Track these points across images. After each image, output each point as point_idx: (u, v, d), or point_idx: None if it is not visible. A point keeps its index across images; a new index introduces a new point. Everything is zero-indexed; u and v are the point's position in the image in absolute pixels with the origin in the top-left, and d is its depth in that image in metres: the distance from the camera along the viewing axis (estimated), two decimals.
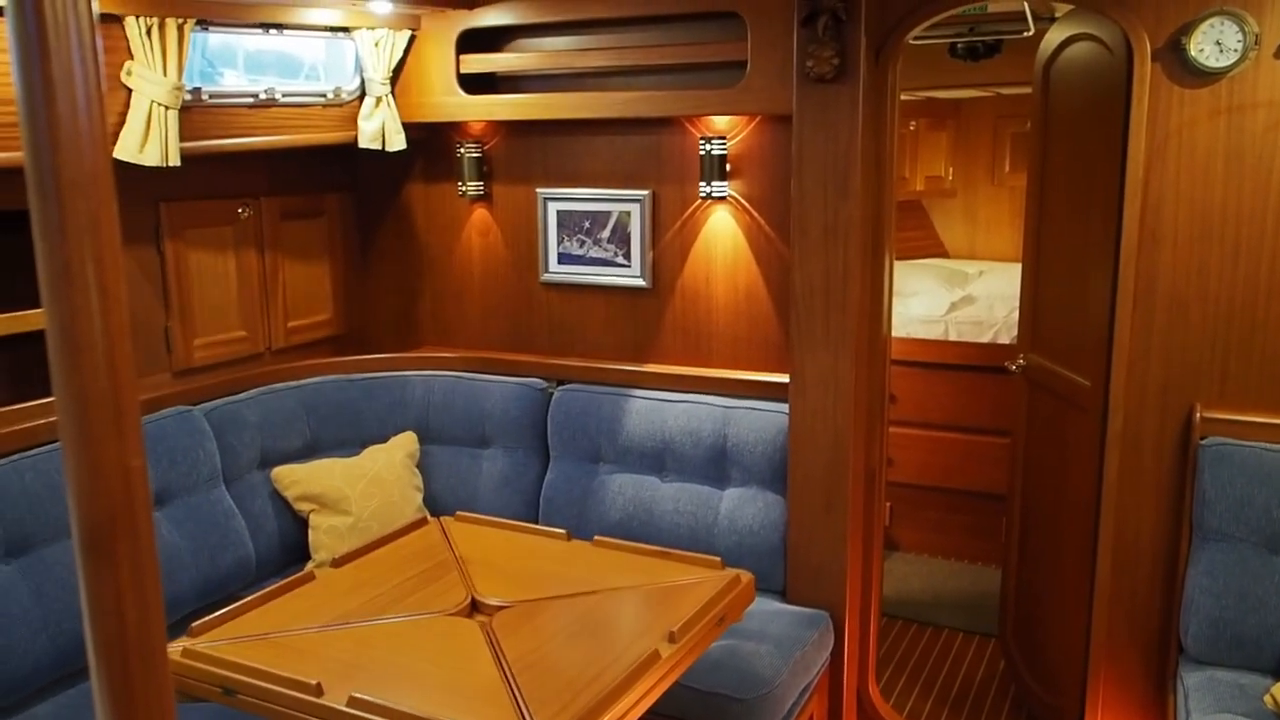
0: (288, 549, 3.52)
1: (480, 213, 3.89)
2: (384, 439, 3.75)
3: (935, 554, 5.20)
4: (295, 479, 3.52)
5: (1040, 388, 3.63)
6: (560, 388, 3.73)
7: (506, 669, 2.18)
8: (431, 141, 3.87)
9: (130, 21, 2.90)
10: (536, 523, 3.48)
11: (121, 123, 3.01)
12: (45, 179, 0.75)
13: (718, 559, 2.75)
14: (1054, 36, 3.50)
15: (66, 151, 0.74)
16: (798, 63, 3.08)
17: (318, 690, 2.09)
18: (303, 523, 3.53)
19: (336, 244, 4.01)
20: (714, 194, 3.43)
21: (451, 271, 3.98)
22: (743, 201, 3.45)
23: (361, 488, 3.52)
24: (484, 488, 3.72)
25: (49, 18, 0.73)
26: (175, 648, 2.32)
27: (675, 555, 2.80)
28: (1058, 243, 3.49)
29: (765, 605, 3.20)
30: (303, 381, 3.73)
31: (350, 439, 3.75)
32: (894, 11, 3.10)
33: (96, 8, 0.71)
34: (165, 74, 2.99)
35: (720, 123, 3.42)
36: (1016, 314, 5.01)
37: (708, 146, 3.39)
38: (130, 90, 2.99)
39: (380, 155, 3.75)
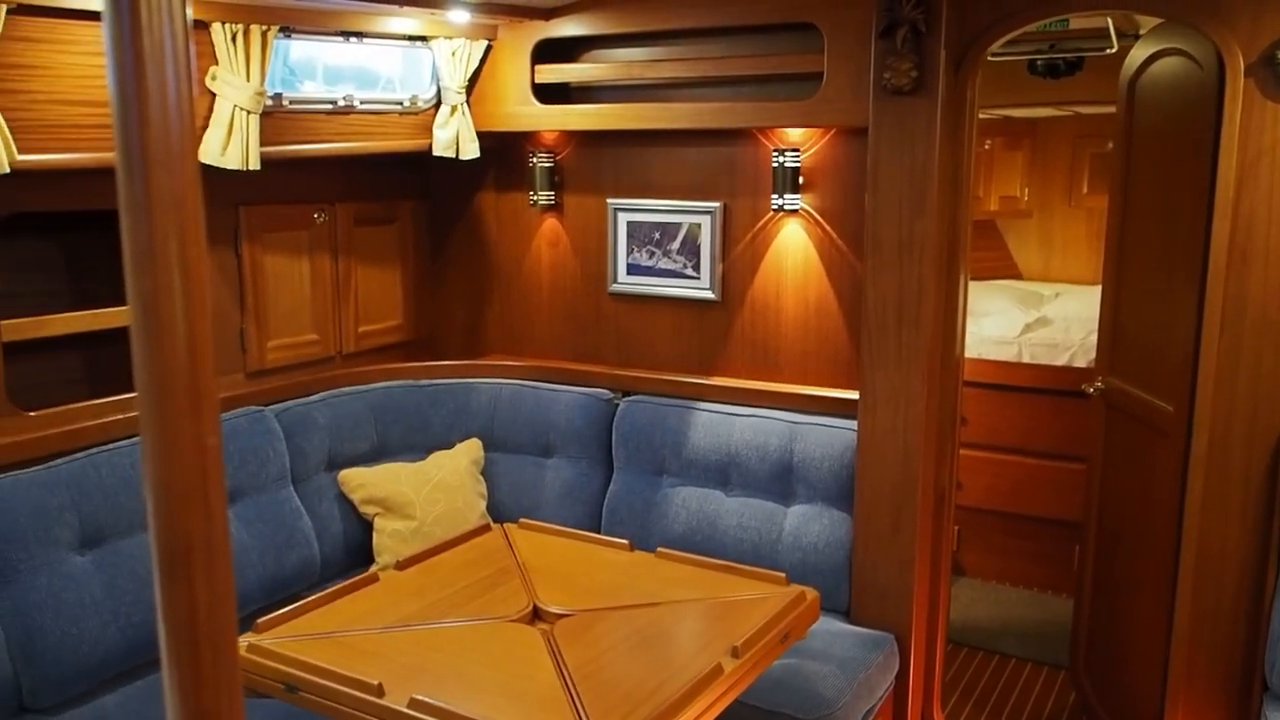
0: (351, 551, 3.55)
1: (550, 222, 3.90)
2: (449, 445, 3.77)
3: (1002, 580, 5.08)
4: (361, 482, 3.55)
5: (1119, 411, 3.52)
6: (626, 399, 3.72)
7: (567, 677, 2.16)
8: (504, 151, 3.90)
9: (216, 28, 2.97)
10: (598, 533, 3.46)
11: (205, 126, 3.07)
12: (133, 155, 0.75)
13: (783, 575, 2.71)
14: (1139, 52, 3.41)
15: (155, 128, 0.74)
16: (875, 75, 3.04)
17: (379, 690, 2.09)
18: (367, 525, 3.56)
19: (408, 251, 4.05)
20: (786, 207, 3.40)
21: (520, 280, 4.00)
22: (815, 215, 3.41)
23: (426, 493, 3.54)
24: (547, 496, 3.72)
25: (143, 12, 0.73)
26: (240, 643, 2.34)
27: (740, 570, 2.76)
28: (1141, 264, 3.39)
29: (828, 625, 3.14)
30: (371, 386, 3.77)
31: (416, 444, 3.78)
32: (974, 24, 3.04)
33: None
34: (248, 79, 3.05)
35: (794, 135, 3.39)
36: (1094, 337, 4.89)
37: (781, 159, 3.36)
38: (214, 95, 3.05)
39: (453, 163, 3.79)
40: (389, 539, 3.48)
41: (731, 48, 3.47)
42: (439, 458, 3.69)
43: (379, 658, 2.26)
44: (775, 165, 3.37)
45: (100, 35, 2.69)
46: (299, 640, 2.33)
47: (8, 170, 2.60)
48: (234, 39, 3.00)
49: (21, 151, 2.64)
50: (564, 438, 3.76)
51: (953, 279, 3.26)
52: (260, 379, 3.52)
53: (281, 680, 2.23)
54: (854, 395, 3.29)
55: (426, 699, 2.04)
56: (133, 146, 0.75)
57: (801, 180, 3.38)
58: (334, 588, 2.65)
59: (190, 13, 0.75)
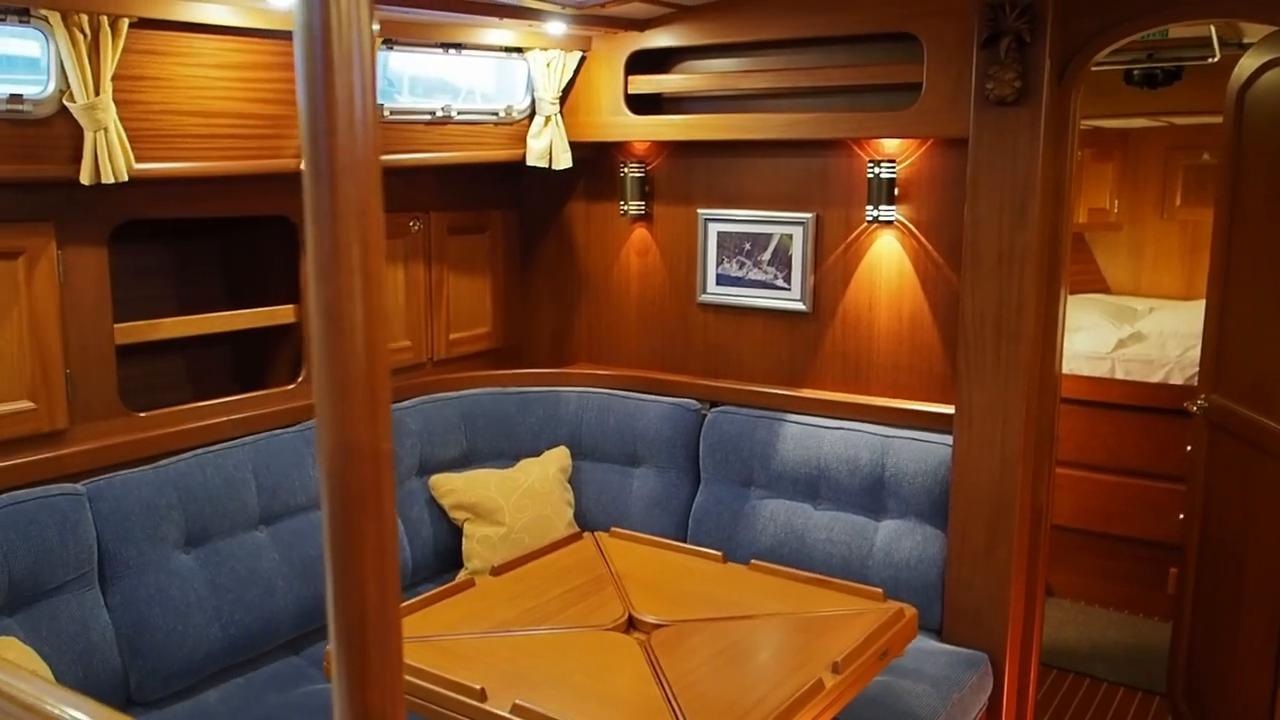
0: (440, 555, 3.59)
1: (640, 232, 3.91)
2: (537, 453, 3.79)
3: (1092, 601, 4.95)
4: (452, 487, 3.59)
5: (1223, 431, 3.41)
6: (713, 409, 3.71)
7: (667, 688, 2.16)
8: (595, 160, 3.92)
9: None
10: (684, 544, 3.45)
11: None
12: (320, 163, 0.77)
13: (879, 590, 2.68)
14: (1250, 62, 3.31)
15: (341, 136, 0.76)
16: (976, 85, 2.99)
17: (481, 695, 2.11)
18: (456, 530, 3.60)
19: (498, 259, 4.10)
20: (881, 218, 3.36)
21: (609, 290, 4.02)
22: (910, 226, 3.37)
23: (515, 500, 3.56)
24: (634, 506, 3.72)
25: (333, 11, 0.75)
26: None
27: (835, 584, 2.73)
28: (1251, 280, 3.29)
29: (920, 642, 3.08)
30: (461, 393, 3.81)
31: (504, 451, 3.81)
32: (1080, 34, 2.98)
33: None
34: None
35: (890, 145, 3.36)
36: (1191, 354, 4.77)
37: (876, 170, 3.33)
38: None
39: (543, 173, 3.82)
40: (478, 544, 3.51)
41: (824, 58, 3.45)
42: (527, 465, 3.72)
43: (479, 662, 2.28)
44: (870, 176, 3.34)
45: (216, 47, 2.78)
46: (403, 642, 2.36)
47: (126, 179, 2.68)
48: None
49: (138, 161, 2.72)
50: (651, 447, 3.76)
51: (1052, 292, 3.19)
52: None
53: None
54: (948, 409, 3.24)
55: (529, 705, 2.05)
56: (320, 155, 0.77)
57: (897, 191, 3.34)
58: (431, 592, 2.68)
59: (376, 27, 0.76)
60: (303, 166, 0.79)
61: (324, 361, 0.78)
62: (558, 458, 3.76)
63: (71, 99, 2.57)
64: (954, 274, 3.29)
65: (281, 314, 3.38)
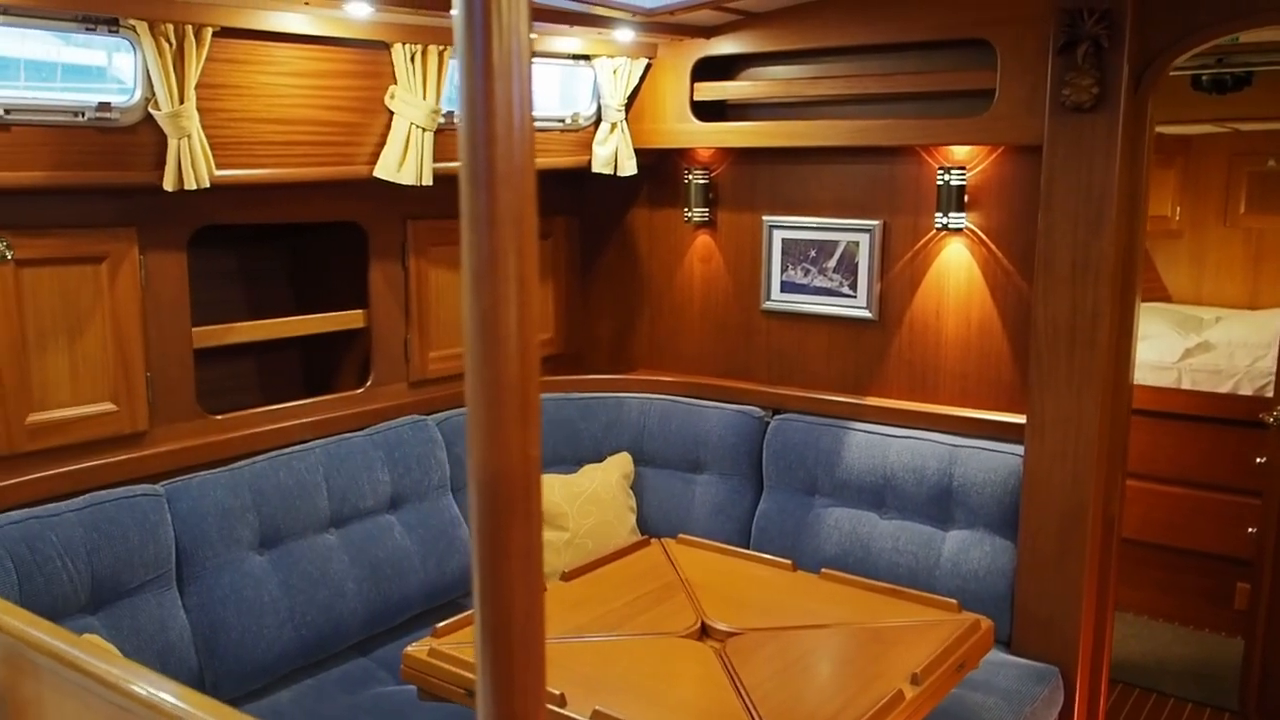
0: None
1: (703, 239, 3.91)
2: (599, 458, 3.80)
3: (1157, 616, 4.86)
4: None
5: None
6: (777, 416, 3.70)
7: (746, 696, 2.15)
8: (658, 167, 3.93)
9: (397, 48, 3.07)
10: (752, 551, 3.44)
11: (382, 143, 3.18)
12: (478, 171, 0.78)
13: (954, 602, 2.65)
14: None
15: (500, 145, 0.77)
16: (1051, 91, 2.96)
17: (561, 700, 2.11)
18: None
19: (560, 266, 4.11)
20: (950, 225, 3.33)
21: (672, 296, 4.02)
22: (980, 234, 3.34)
23: (579, 505, 3.57)
24: (696, 512, 3.72)
25: (494, 22, 0.76)
26: (423, 647, 2.40)
27: (908, 594, 2.71)
28: None
29: (989, 654, 3.04)
30: None
31: (566, 456, 3.82)
32: (1158, 39, 2.94)
33: (527, 17, 0.73)
34: (424, 97, 3.14)
35: (960, 153, 3.33)
36: (1262, 363, 4.68)
37: (946, 177, 3.30)
38: (392, 113, 3.15)
39: (606, 180, 3.83)
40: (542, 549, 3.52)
41: (891, 64, 3.42)
42: (590, 470, 3.72)
43: (555, 667, 2.27)
44: (940, 183, 3.31)
45: (294, 55, 2.82)
46: None
47: (208, 185, 2.73)
48: (413, 59, 3.10)
49: (218, 167, 2.77)
50: (714, 454, 3.75)
51: (1126, 301, 3.15)
52: (421, 388, 3.62)
53: (463, 685, 2.27)
54: (1018, 419, 3.20)
55: (609, 712, 2.05)
56: (479, 163, 0.78)
57: (967, 199, 3.31)
58: None
59: (531, 40, 0.77)
60: (460, 175, 0.80)
61: (478, 368, 0.79)
62: (620, 464, 3.77)
63: (156, 107, 2.62)
64: (1024, 282, 3.25)
65: (351, 319, 3.42)
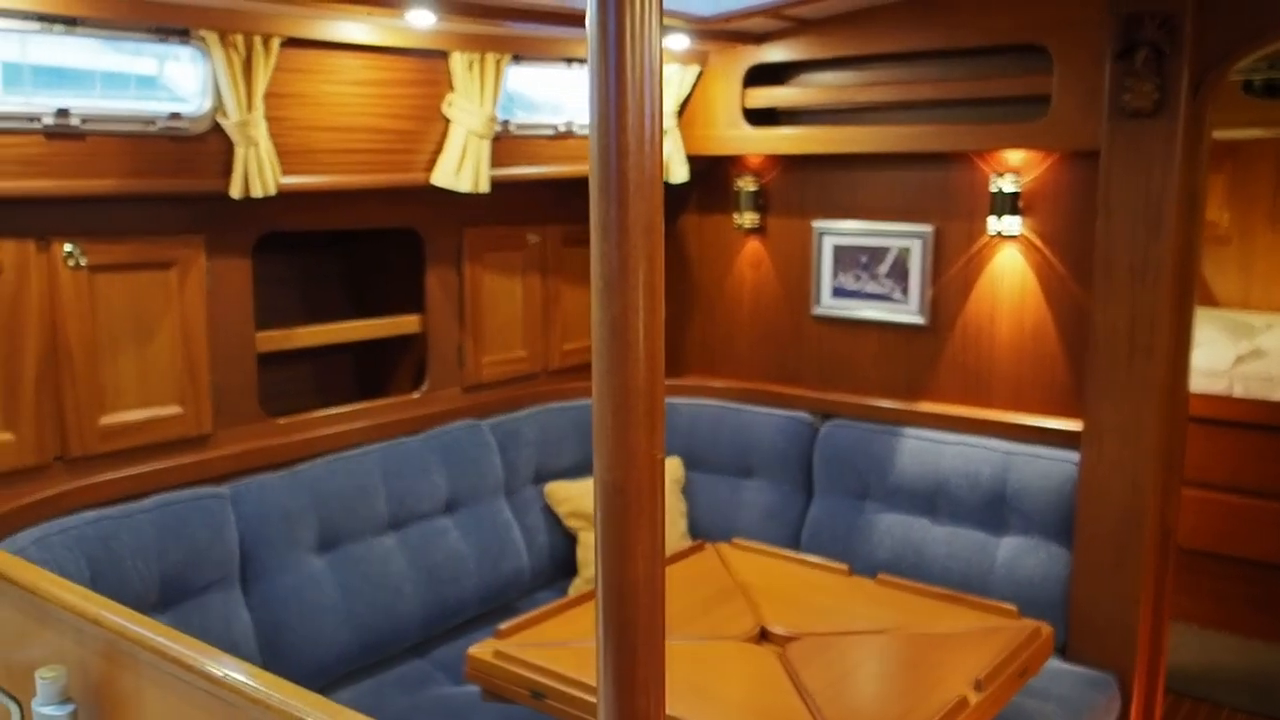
0: (556, 562, 3.63)
1: (753, 245, 3.92)
2: None
3: (1207, 625, 4.81)
4: (567, 495, 3.63)
5: None
6: (827, 422, 3.70)
7: (809, 700, 2.16)
8: (708, 173, 3.94)
9: (455, 56, 3.11)
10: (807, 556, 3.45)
11: (439, 150, 3.22)
12: (610, 182, 0.80)
13: (1013, 608, 2.65)
14: None
15: (631, 156, 0.79)
16: (1110, 97, 2.95)
17: None
18: (570, 538, 3.64)
19: None
20: (1004, 231, 3.32)
21: (721, 302, 4.03)
22: (1034, 239, 3.33)
23: None
24: (746, 517, 3.72)
25: (626, 36, 0.78)
26: (486, 648, 2.42)
27: (967, 600, 2.71)
28: None
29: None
30: (575, 402, 3.86)
31: None
32: (1219, 44, 2.92)
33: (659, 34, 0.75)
34: (481, 105, 3.18)
35: (1014, 158, 3.32)
36: None
37: (999, 183, 3.29)
38: (449, 121, 3.19)
39: None
40: (594, 553, 3.54)
41: (945, 70, 3.42)
42: None
43: None
44: (994, 190, 3.31)
45: (356, 64, 2.86)
46: (540, 648, 2.40)
47: (274, 192, 2.78)
48: (470, 67, 3.14)
49: (282, 174, 2.82)
50: (764, 459, 3.76)
51: (1184, 307, 3.13)
52: (475, 393, 3.65)
53: (528, 686, 2.29)
54: (1073, 425, 3.19)
55: (677, 715, 2.06)
56: (610, 174, 0.80)
57: (1021, 204, 3.30)
58: (565, 599, 2.72)
59: (661, 54, 0.79)
60: (590, 185, 0.82)
61: (606, 372, 0.81)
62: (671, 468, 3.79)
63: (225, 115, 2.67)
64: (1080, 287, 3.24)
65: (407, 324, 3.46)
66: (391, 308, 3.50)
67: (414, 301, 3.50)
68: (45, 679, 1.40)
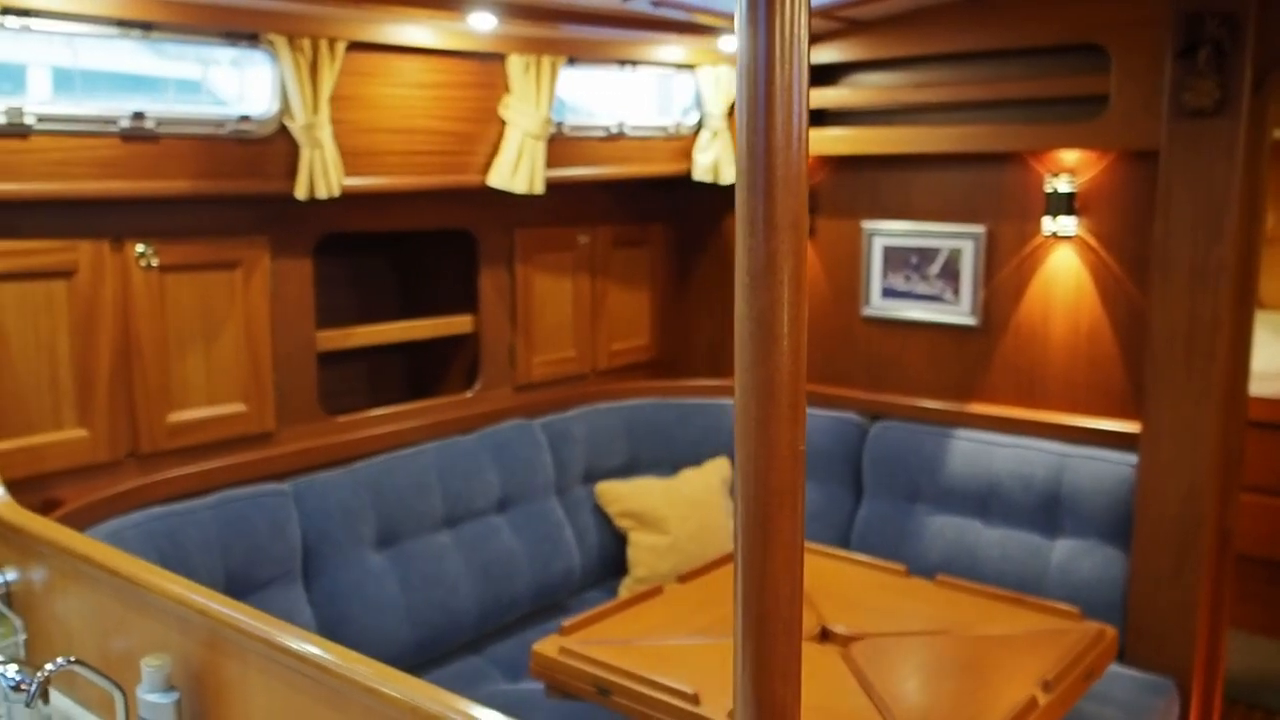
0: (605, 562, 3.65)
1: None
2: (697, 463, 3.83)
3: (1257, 631, 4.76)
4: (617, 495, 3.65)
5: None
6: (877, 423, 3.70)
7: (878, 700, 2.16)
8: None
9: (513, 59, 3.14)
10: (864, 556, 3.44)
11: (495, 152, 3.25)
12: (757, 177, 0.81)
13: (1075, 610, 2.64)
14: None
15: (779, 153, 0.80)
16: (1170, 96, 2.94)
17: (695, 699, 2.14)
18: (619, 537, 3.65)
19: (657, 272, 4.16)
20: (1059, 232, 3.31)
21: None
22: (1090, 240, 3.31)
23: (680, 509, 3.61)
24: None
25: (776, 34, 0.79)
26: (551, 644, 2.44)
27: (1028, 601, 2.70)
28: None
29: None
30: (623, 402, 3.88)
31: (664, 460, 3.86)
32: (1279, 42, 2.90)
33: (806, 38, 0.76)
34: (537, 107, 3.20)
35: (1068, 158, 3.31)
36: None
37: (1054, 183, 3.28)
38: (505, 122, 3.22)
39: (701, 187, 3.87)
40: (644, 553, 3.56)
41: (997, 70, 3.41)
42: (689, 475, 3.76)
43: (685, 667, 2.32)
44: (1048, 190, 3.30)
45: (417, 67, 2.89)
46: (605, 645, 2.41)
47: (338, 194, 2.81)
48: (527, 69, 3.17)
49: (344, 177, 2.85)
50: (812, 460, 3.75)
51: (1244, 309, 3.10)
52: (526, 392, 3.68)
53: (595, 683, 2.31)
54: (1131, 427, 3.17)
55: None
56: (757, 171, 0.82)
57: (1076, 204, 3.29)
58: (625, 597, 2.74)
59: (809, 52, 0.80)
60: (737, 181, 0.83)
61: (751, 366, 0.83)
62: (719, 468, 3.80)
63: (291, 118, 2.71)
64: (1136, 288, 3.22)
65: (460, 324, 3.49)
66: (440, 308, 3.54)
67: (462, 301, 3.54)
68: (151, 667, 1.43)
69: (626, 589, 3.55)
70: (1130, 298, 3.26)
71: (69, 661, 1.44)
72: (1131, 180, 3.21)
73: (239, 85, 3.00)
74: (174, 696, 1.44)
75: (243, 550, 2.71)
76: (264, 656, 1.38)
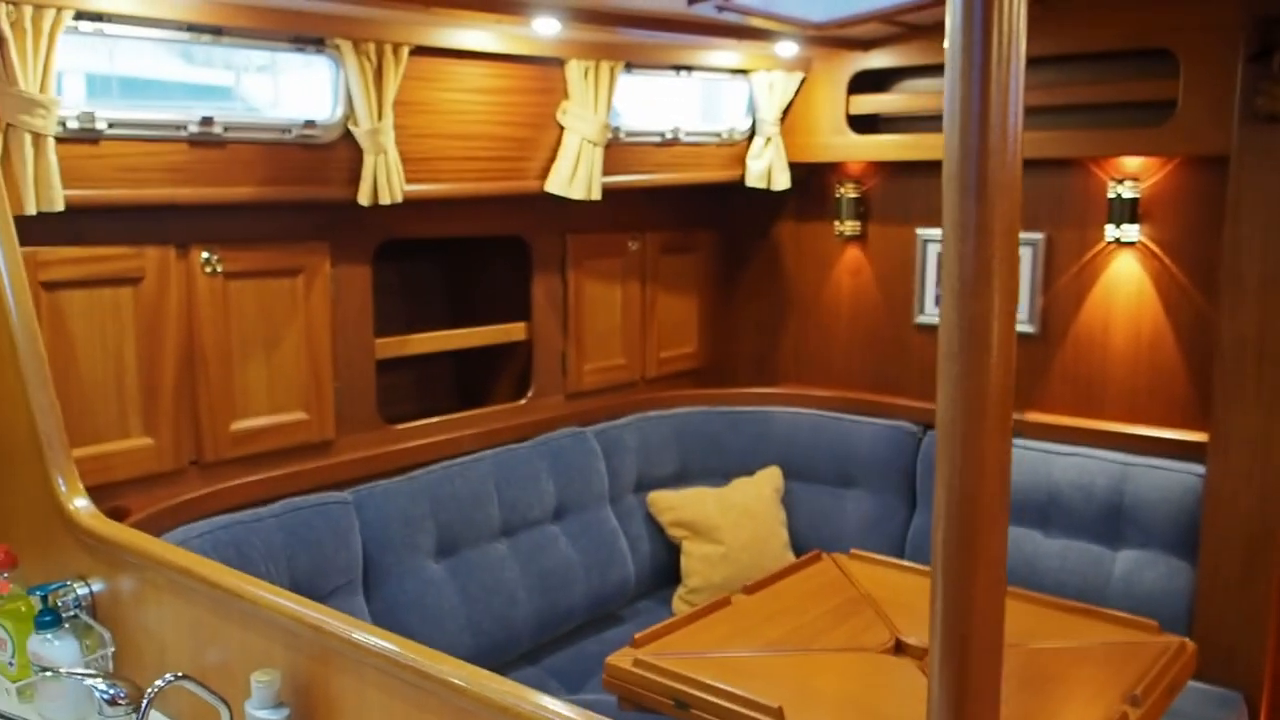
0: (657, 572, 3.61)
1: (853, 252, 3.89)
2: (749, 472, 3.79)
3: None
4: (670, 504, 3.61)
5: None
6: (931, 432, 3.65)
7: None
8: (806, 181, 3.91)
9: (572, 64, 3.11)
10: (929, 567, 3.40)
11: (551, 158, 3.22)
12: (968, 182, 0.78)
13: (1153, 622, 2.59)
14: None
15: (994, 157, 0.77)
16: (1241, 101, 2.89)
17: (779, 714, 2.10)
18: (671, 546, 3.62)
19: (705, 279, 4.13)
20: (1122, 239, 3.27)
21: (818, 310, 4.00)
22: (1153, 247, 3.27)
23: (733, 519, 3.57)
24: (848, 528, 3.68)
25: (993, 32, 0.76)
26: (625, 657, 2.41)
27: (1104, 614, 2.66)
28: None
29: None
30: (673, 411, 3.85)
31: (715, 469, 3.82)
32: None
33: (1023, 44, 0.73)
34: (595, 112, 3.18)
35: (1132, 164, 3.27)
36: None
37: (1118, 189, 3.25)
38: (563, 128, 3.20)
39: (749, 193, 3.84)
40: (698, 562, 3.53)
41: (1059, 75, 3.37)
42: (741, 484, 3.72)
43: (764, 679, 2.28)
44: (1111, 196, 3.26)
45: (477, 72, 2.87)
46: (679, 658, 2.38)
47: (400, 200, 2.79)
48: (585, 75, 3.14)
49: (405, 183, 2.83)
50: (865, 469, 3.72)
51: None
52: (577, 400, 3.65)
53: (671, 695, 2.27)
54: (1196, 437, 3.13)
55: None
56: (969, 174, 0.78)
57: (1140, 211, 3.25)
58: (695, 609, 2.70)
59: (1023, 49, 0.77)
60: (946, 185, 0.80)
61: (960, 376, 0.79)
62: (771, 478, 3.76)
63: (355, 123, 2.69)
64: (1201, 296, 3.18)
65: (515, 331, 3.47)
66: (486, 315, 3.51)
67: (509, 308, 3.51)
68: (261, 682, 1.40)
69: (680, 599, 3.51)
70: (1195, 305, 3.21)
71: (177, 677, 1.41)
72: (1197, 186, 3.17)
73: (273, 92, 2.99)
74: (284, 713, 1.41)
75: (307, 560, 2.69)
76: (383, 672, 1.35)
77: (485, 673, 1.29)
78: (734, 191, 3.90)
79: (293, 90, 2.88)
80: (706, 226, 4.11)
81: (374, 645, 1.35)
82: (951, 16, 0.76)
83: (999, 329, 0.77)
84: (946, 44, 0.78)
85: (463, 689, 1.25)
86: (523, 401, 3.49)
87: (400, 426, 3.12)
